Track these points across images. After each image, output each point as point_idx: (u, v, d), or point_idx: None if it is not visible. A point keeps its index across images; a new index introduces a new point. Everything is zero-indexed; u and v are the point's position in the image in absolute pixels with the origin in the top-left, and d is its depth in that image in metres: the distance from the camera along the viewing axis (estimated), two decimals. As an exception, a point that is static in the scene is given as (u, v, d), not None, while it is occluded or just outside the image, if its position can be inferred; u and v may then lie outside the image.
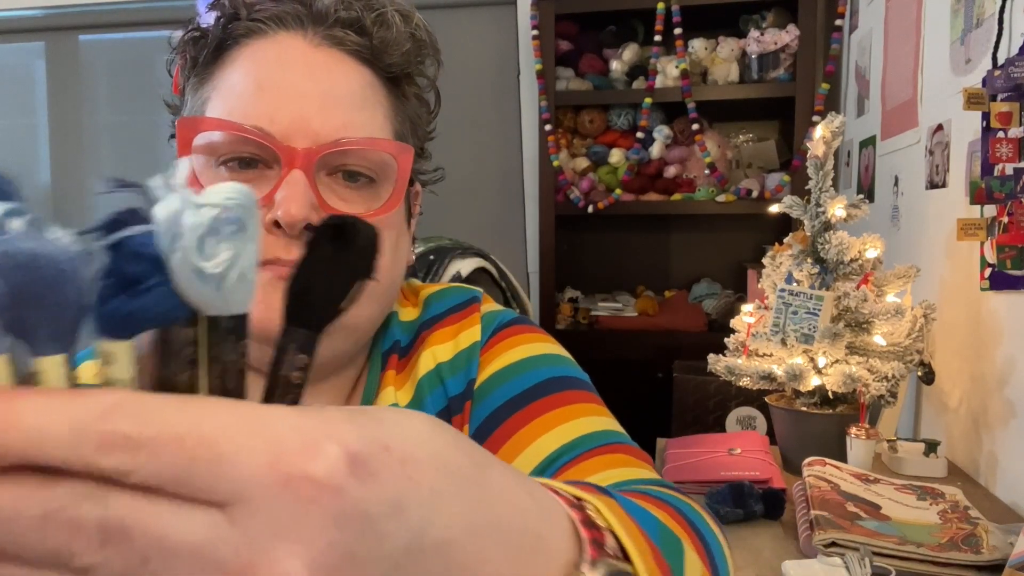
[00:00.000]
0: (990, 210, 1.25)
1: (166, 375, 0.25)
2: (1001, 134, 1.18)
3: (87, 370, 0.24)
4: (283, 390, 0.26)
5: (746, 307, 1.40)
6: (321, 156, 0.57)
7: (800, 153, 2.19)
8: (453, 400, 0.66)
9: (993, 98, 1.20)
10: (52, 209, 3.09)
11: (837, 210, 1.28)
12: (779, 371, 1.28)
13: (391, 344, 0.68)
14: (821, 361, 1.27)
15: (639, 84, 2.48)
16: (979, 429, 1.34)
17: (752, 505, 1.12)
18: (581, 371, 0.69)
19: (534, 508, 0.30)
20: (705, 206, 2.43)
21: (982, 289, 1.30)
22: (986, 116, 1.20)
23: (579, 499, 0.35)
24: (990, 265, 1.27)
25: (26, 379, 0.24)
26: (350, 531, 0.23)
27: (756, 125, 2.68)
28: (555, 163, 2.48)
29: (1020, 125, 1.17)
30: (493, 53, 2.73)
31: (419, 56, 0.65)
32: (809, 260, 1.32)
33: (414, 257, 0.71)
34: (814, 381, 1.26)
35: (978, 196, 1.21)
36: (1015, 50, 1.21)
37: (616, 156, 2.51)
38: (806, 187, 1.34)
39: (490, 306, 0.72)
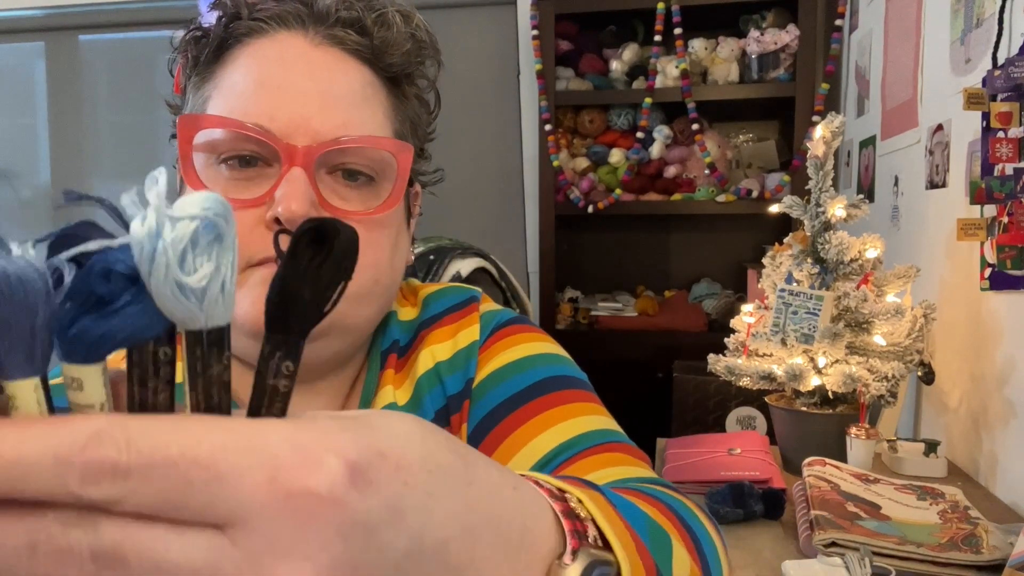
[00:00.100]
0: (990, 210, 1.25)
1: (143, 397, 0.24)
2: (1001, 134, 1.18)
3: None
4: (270, 399, 0.26)
5: (746, 307, 1.40)
6: (321, 154, 0.57)
7: (800, 153, 2.19)
8: (452, 399, 0.66)
9: (993, 98, 1.20)
10: (52, 209, 3.09)
11: (837, 210, 1.28)
12: (779, 371, 1.28)
13: (390, 344, 0.68)
14: (821, 361, 1.27)
15: (639, 84, 2.48)
16: (979, 429, 1.34)
17: (752, 505, 1.12)
18: (579, 370, 0.69)
19: (519, 501, 0.31)
20: (705, 206, 2.43)
21: (982, 289, 1.30)
22: (986, 116, 1.20)
23: (561, 491, 0.35)
24: (990, 265, 1.27)
25: None
26: (353, 542, 0.23)
27: (756, 125, 2.68)
28: (555, 163, 2.48)
29: (1020, 125, 1.17)
30: (493, 53, 2.73)
31: (419, 56, 0.65)
32: (809, 260, 1.32)
33: (413, 257, 0.71)
34: (814, 381, 1.26)
35: (978, 196, 1.21)
36: (1015, 50, 1.21)
37: (616, 156, 2.51)
38: (806, 187, 1.34)
39: (489, 306, 0.72)
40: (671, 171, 2.51)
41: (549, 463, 0.59)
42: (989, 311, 1.32)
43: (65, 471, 0.21)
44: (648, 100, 2.41)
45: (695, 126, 2.39)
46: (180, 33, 0.63)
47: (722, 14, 2.45)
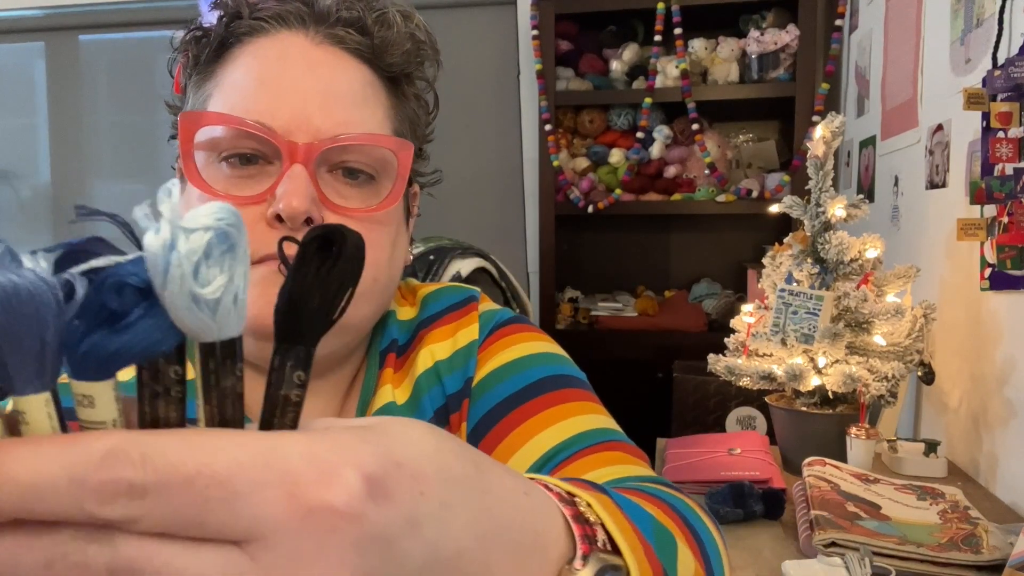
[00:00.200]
0: (990, 210, 1.25)
1: (155, 413, 0.24)
2: (1001, 134, 1.18)
3: None
4: (283, 409, 0.26)
5: (746, 307, 1.40)
6: (322, 151, 0.57)
7: (800, 153, 2.19)
8: (451, 398, 0.66)
9: (993, 98, 1.20)
10: (52, 209, 3.09)
11: (837, 210, 1.28)
12: (779, 371, 1.28)
13: (389, 343, 0.68)
14: (821, 361, 1.27)
15: (639, 84, 2.48)
16: (979, 429, 1.34)
17: (752, 505, 1.12)
18: (578, 370, 0.69)
19: (531, 507, 0.31)
20: (705, 206, 2.43)
21: (982, 289, 1.30)
22: (986, 116, 1.20)
23: (571, 495, 0.35)
24: (990, 265, 1.27)
25: (9, 420, 0.22)
26: (372, 556, 0.23)
27: (756, 125, 2.68)
28: (555, 163, 2.48)
29: (1020, 125, 1.17)
30: (493, 53, 2.73)
31: (419, 56, 0.66)
32: (809, 260, 1.32)
33: (411, 257, 0.71)
34: (814, 381, 1.26)
35: (978, 196, 1.21)
36: (1015, 50, 1.21)
37: (616, 156, 2.51)
38: (806, 187, 1.34)
39: (488, 305, 0.72)
40: (671, 171, 2.51)
41: (548, 462, 0.59)
42: (989, 311, 1.32)
43: (80, 492, 0.20)
44: (648, 100, 2.41)
45: (695, 126, 2.39)
46: (180, 33, 0.64)
47: (722, 14, 2.45)
